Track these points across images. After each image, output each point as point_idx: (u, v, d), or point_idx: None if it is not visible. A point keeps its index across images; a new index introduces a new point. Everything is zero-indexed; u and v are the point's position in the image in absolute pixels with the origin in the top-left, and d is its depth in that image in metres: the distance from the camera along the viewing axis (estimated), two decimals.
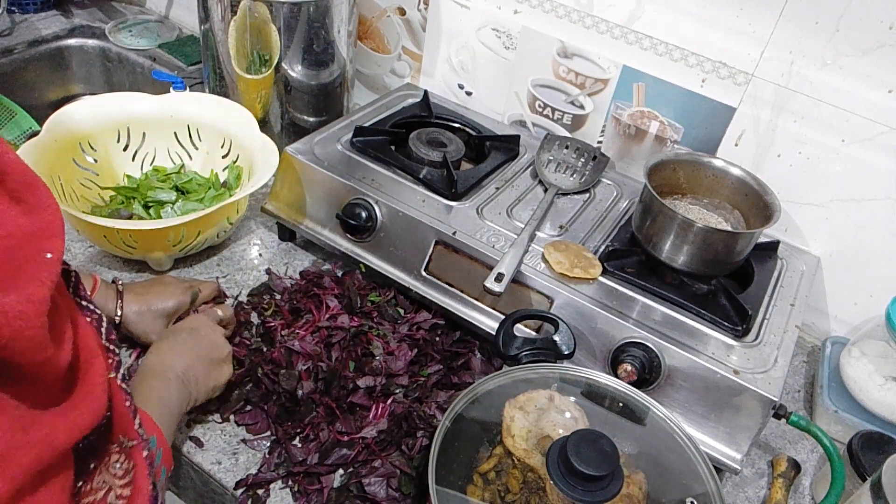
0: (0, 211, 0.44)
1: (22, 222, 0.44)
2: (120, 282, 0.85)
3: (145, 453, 0.57)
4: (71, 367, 0.49)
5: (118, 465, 0.54)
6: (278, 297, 0.96)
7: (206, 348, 0.78)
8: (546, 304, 0.87)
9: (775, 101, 0.99)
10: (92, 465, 0.53)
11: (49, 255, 0.45)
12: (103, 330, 0.57)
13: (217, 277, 1.00)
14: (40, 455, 0.44)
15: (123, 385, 0.57)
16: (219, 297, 0.94)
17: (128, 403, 0.57)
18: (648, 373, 0.81)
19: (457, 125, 1.16)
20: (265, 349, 0.87)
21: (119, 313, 0.82)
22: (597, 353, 0.85)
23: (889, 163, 0.94)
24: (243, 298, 0.97)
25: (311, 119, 1.21)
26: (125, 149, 1.08)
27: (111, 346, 0.58)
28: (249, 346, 0.88)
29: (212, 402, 0.81)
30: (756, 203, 0.92)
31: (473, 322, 0.91)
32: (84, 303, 0.56)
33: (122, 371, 0.58)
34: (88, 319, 0.56)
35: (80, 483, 0.51)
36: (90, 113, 1.03)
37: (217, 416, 0.82)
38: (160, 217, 1.02)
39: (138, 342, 0.85)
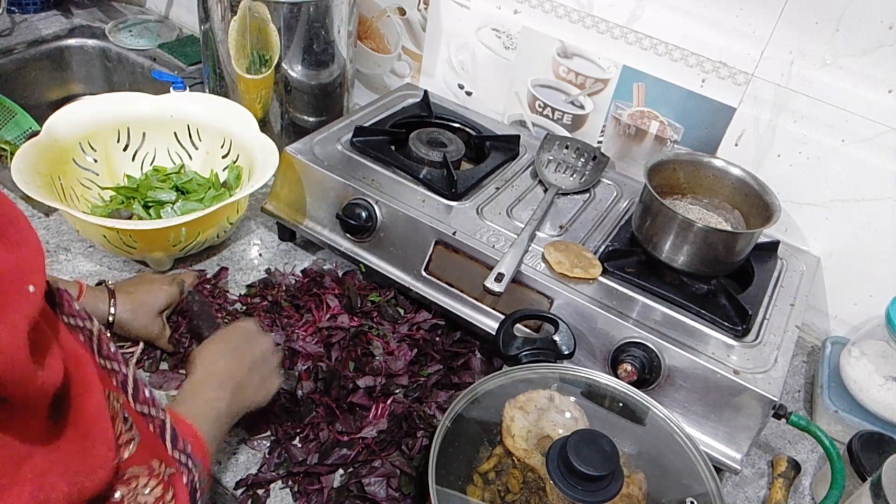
0: None
1: (2, 257, 0.43)
2: (111, 283, 0.85)
3: (185, 479, 0.54)
4: (61, 397, 0.47)
5: (147, 492, 0.52)
6: (282, 291, 0.96)
7: (258, 356, 0.75)
8: (546, 304, 0.87)
9: (775, 101, 0.99)
10: (118, 494, 0.50)
11: (32, 289, 0.44)
12: (95, 346, 0.55)
13: (200, 270, 1.00)
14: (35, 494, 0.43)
15: (139, 407, 0.55)
16: None
17: (151, 426, 0.55)
18: (648, 373, 0.81)
19: (457, 125, 1.16)
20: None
21: (112, 312, 0.82)
22: (597, 353, 0.85)
23: (889, 163, 0.94)
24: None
25: (311, 119, 1.21)
26: (125, 149, 1.08)
27: (108, 364, 0.55)
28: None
29: None
30: (756, 203, 0.92)
31: (473, 322, 0.91)
32: (74, 321, 0.54)
33: (130, 391, 0.55)
34: (81, 338, 0.54)
35: None
36: (90, 113, 1.03)
37: None
38: (160, 217, 1.02)
39: (136, 338, 0.86)
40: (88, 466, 0.47)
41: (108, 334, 0.61)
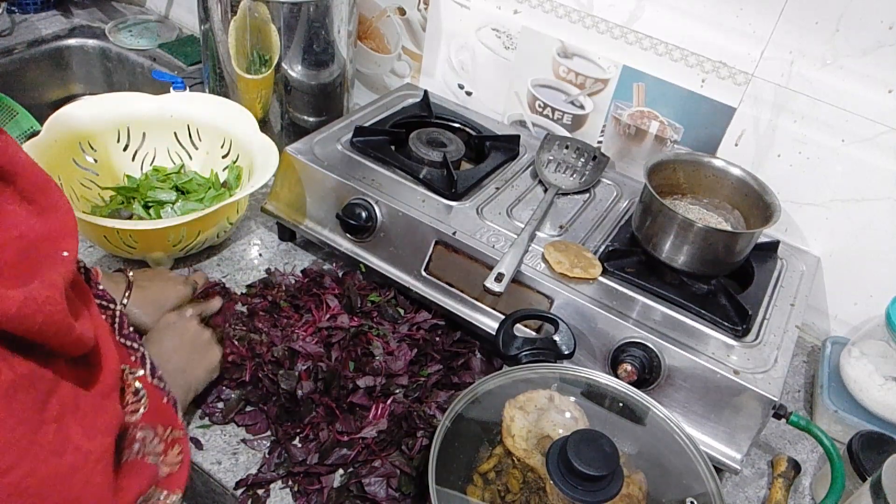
0: (12, 212, 0.45)
1: (34, 222, 0.46)
2: (130, 272, 0.87)
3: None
4: (86, 357, 0.50)
5: (156, 443, 0.56)
6: (282, 291, 0.96)
7: (187, 340, 0.80)
8: (546, 304, 0.87)
9: (775, 101, 0.99)
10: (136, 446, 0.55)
11: (65, 254, 0.47)
12: (116, 325, 0.59)
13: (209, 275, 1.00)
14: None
15: (155, 381, 0.59)
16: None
17: (165, 399, 0.60)
18: (648, 373, 0.81)
19: (457, 125, 1.16)
20: (264, 335, 0.88)
21: (125, 303, 0.83)
22: (597, 353, 0.85)
23: (889, 163, 0.94)
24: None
25: (311, 119, 1.21)
26: (125, 149, 1.08)
27: (128, 343, 0.59)
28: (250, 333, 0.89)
29: (214, 406, 0.82)
30: (756, 203, 0.92)
31: (473, 322, 0.91)
32: (99, 300, 0.58)
33: (148, 366, 0.59)
34: (104, 317, 0.57)
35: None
36: (90, 113, 1.03)
37: (219, 417, 0.82)
38: (160, 217, 1.02)
39: (141, 333, 0.86)
40: (100, 422, 0.50)
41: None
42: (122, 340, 0.60)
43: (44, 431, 0.44)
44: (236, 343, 0.86)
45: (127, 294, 0.84)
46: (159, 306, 0.85)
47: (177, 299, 0.88)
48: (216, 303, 0.90)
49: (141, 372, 0.59)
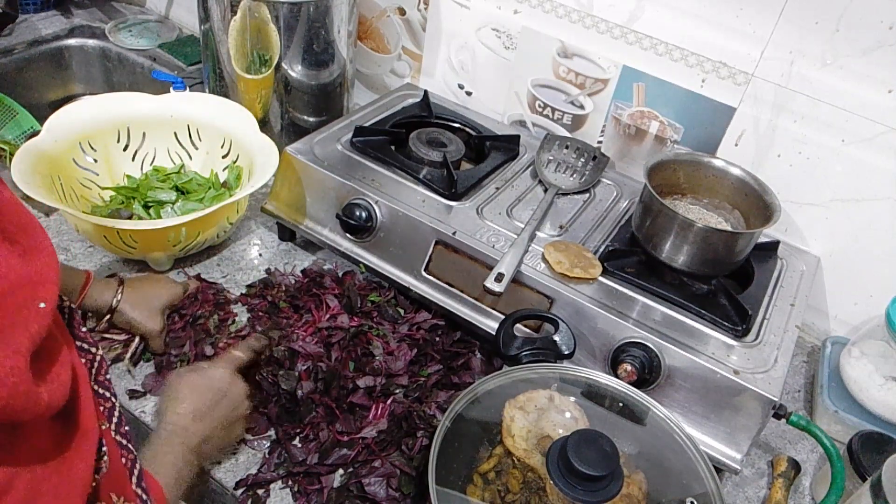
0: None
1: (15, 263, 0.42)
2: (123, 275, 0.87)
3: None
4: (66, 413, 0.46)
5: None
6: (282, 291, 0.96)
7: (227, 409, 0.74)
8: (546, 304, 0.87)
9: (775, 101, 0.99)
10: None
11: (42, 305, 0.43)
12: (94, 371, 0.54)
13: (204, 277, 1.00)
14: None
15: (119, 438, 0.54)
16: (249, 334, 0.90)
17: (124, 460, 0.53)
18: (648, 373, 0.81)
19: (457, 125, 1.16)
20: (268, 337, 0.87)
21: (118, 299, 0.84)
22: (597, 353, 0.85)
23: (889, 163, 0.94)
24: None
25: (311, 119, 1.21)
26: (125, 149, 1.08)
27: (101, 391, 0.54)
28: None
29: None
30: (756, 203, 0.92)
31: (473, 322, 0.91)
32: (80, 343, 0.54)
33: (114, 420, 0.54)
34: (83, 360, 0.53)
35: None
36: (90, 113, 1.03)
37: None
38: (160, 217, 1.02)
39: (133, 331, 0.86)
40: (70, 485, 0.46)
41: (107, 360, 0.61)
42: (95, 387, 0.54)
43: None
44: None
45: (120, 290, 0.84)
46: (150, 303, 0.86)
47: (169, 297, 0.88)
48: (260, 342, 0.84)
49: (105, 425, 0.53)
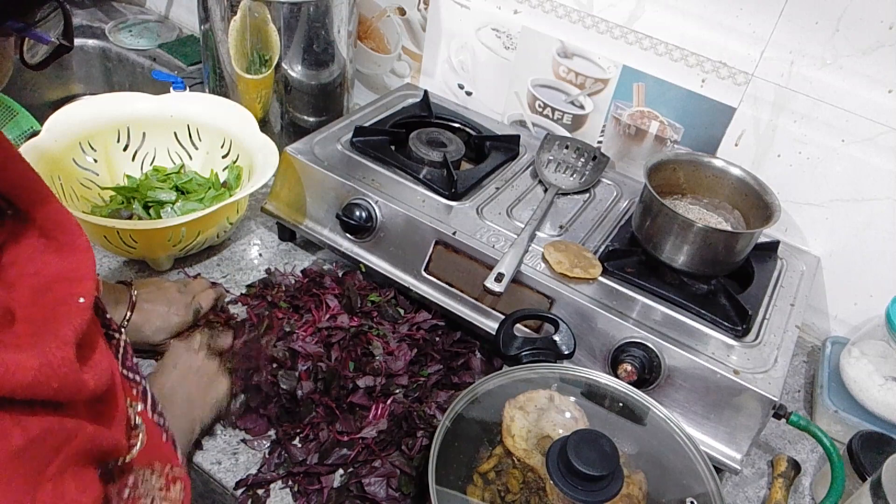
0: (30, 245, 0.43)
1: (51, 259, 0.43)
2: (134, 291, 0.84)
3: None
4: (102, 398, 0.48)
5: (154, 480, 0.53)
6: (282, 291, 0.96)
7: (193, 372, 0.77)
8: (546, 304, 0.87)
9: (775, 101, 0.99)
10: (130, 479, 0.51)
11: (82, 301, 0.44)
12: (120, 356, 0.55)
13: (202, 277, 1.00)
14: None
15: (156, 418, 0.56)
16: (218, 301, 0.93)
17: (164, 437, 0.56)
18: (648, 373, 0.81)
19: (457, 125, 1.16)
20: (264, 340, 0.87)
21: (125, 325, 0.82)
22: (597, 353, 0.85)
23: (889, 163, 0.94)
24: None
25: (311, 119, 1.21)
26: (125, 149, 1.08)
27: (130, 374, 0.56)
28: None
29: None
30: (756, 203, 0.92)
31: (473, 322, 0.91)
32: (110, 331, 0.55)
33: (149, 401, 0.56)
34: (110, 347, 0.54)
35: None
36: (90, 113, 1.03)
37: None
38: (160, 217, 1.02)
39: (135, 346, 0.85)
40: (110, 452, 0.48)
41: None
42: (125, 372, 0.57)
43: (42, 491, 0.41)
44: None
45: (128, 316, 0.82)
46: (156, 330, 0.84)
47: (179, 325, 0.85)
48: (227, 339, 0.86)
49: (140, 406, 0.56)
